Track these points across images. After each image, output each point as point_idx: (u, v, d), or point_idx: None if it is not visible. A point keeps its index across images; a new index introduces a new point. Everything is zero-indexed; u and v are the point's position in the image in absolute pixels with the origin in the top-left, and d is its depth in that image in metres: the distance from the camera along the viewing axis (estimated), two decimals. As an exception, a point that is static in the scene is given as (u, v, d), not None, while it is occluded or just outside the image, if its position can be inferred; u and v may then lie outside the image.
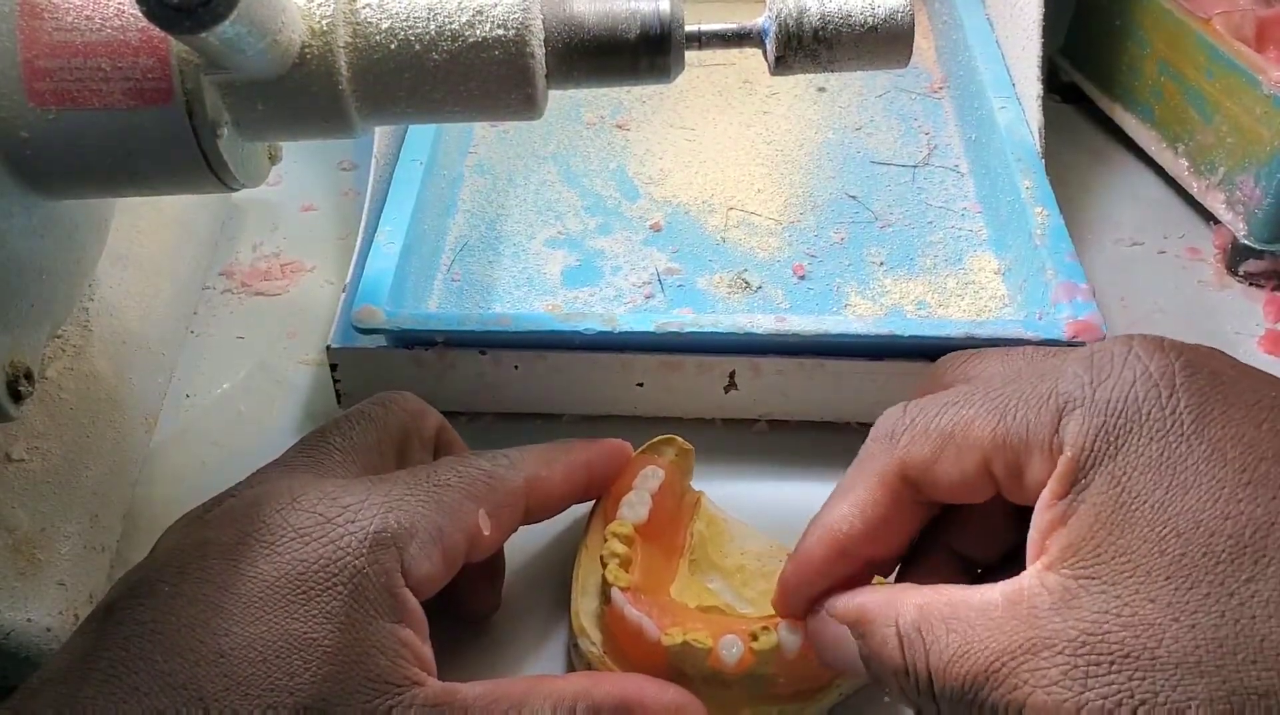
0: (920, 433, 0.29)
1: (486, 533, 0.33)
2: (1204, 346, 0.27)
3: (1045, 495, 0.26)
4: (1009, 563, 0.30)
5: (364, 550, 0.30)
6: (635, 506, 0.36)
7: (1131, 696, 0.23)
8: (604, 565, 0.35)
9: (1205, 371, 0.26)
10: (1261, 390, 0.26)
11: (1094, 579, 0.24)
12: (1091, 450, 0.25)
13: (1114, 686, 0.23)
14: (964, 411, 0.28)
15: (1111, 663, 0.23)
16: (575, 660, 0.36)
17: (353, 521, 0.30)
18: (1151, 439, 0.25)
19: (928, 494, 0.29)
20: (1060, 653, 0.24)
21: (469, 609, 0.37)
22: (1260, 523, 0.23)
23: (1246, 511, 0.24)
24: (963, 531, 0.31)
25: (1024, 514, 0.28)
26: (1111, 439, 0.25)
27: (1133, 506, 0.25)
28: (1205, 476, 0.24)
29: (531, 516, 0.35)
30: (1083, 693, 0.23)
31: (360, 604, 0.29)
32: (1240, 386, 0.26)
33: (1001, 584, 0.26)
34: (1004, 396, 0.28)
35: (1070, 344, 0.41)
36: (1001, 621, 0.25)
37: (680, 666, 0.33)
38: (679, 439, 0.39)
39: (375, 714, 0.28)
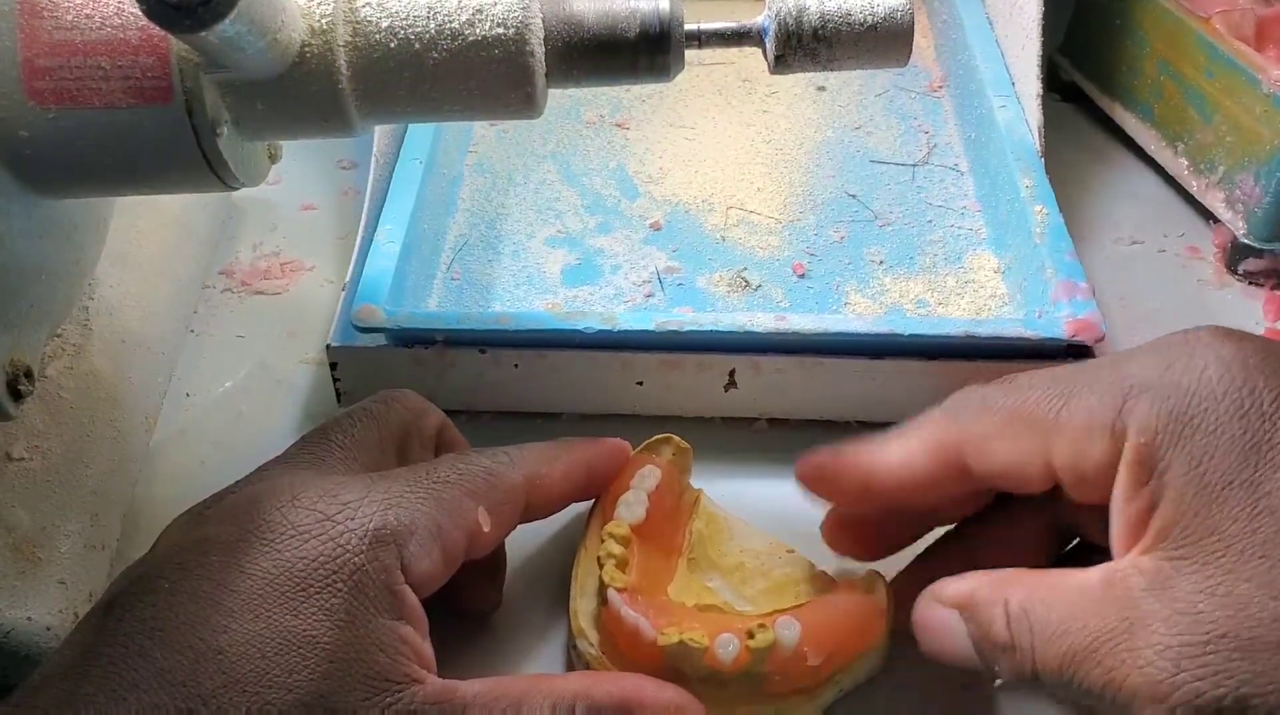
0: (985, 410, 0.29)
1: (486, 530, 0.33)
2: (1267, 336, 0.28)
3: (1123, 485, 0.26)
4: None
5: (364, 547, 0.30)
6: (632, 506, 0.36)
7: (1230, 677, 0.23)
8: (600, 566, 0.35)
9: (1277, 355, 0.26)
10: None
11: (1186, 559, 0.24)
12: (1166, 432, 0.25)
13: (1210, 667, 0.23)
14: (1029, 393, 0.28)
15: (1207, 642, 0.23)
16: (574, 660, 0.36)
17: (352, 519, 0.30)
18: (1232, 418, 0.25)
19: (979, 473, 0.29)
20: (1155, 632, 0.24)
21: (470, 606, 0.37)
22: None
23: None
24: (990, 546, 0.32)
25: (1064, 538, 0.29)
26: (1186, 420, 0.25)
27: (1219, 486, 0.24)
28: None
29: (531, 514, 0.35)
30: (1177, 673, 0.23)
31: (360, 601, 0.29)
32: None
33: (1099, 567, 0.26)
34: (1071, 381, 0.28)
35: (1070, 343, 0.41)
36: (1099, 602, 0.25)
37: (677, 666, 0.33)
38: (676, 438, 0.39)
39: (374, 711, 0.28)
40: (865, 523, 0.34)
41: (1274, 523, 0.23)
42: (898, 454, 0.30)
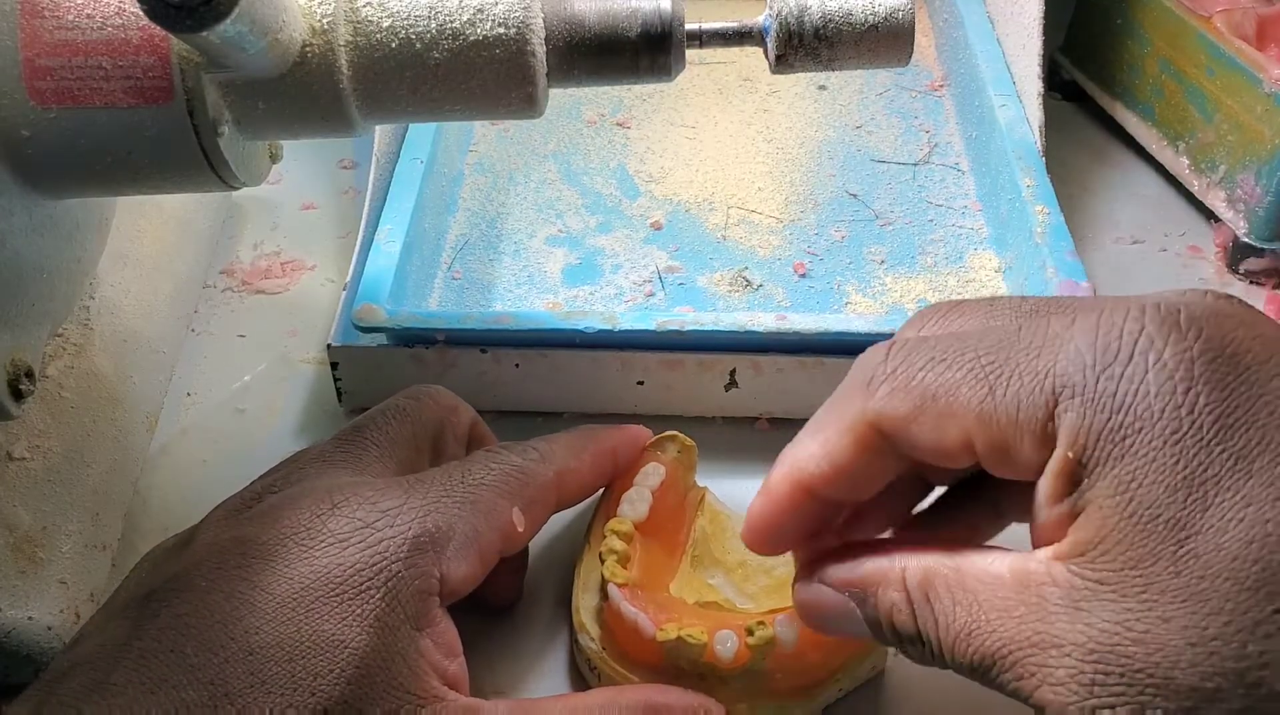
0: (900, 387, 0.26)
1: (520, 530, 0.33)
2: (1222, 306, 0.24)
3: (1045, 491, 0.24)
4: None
5: (403, 555, 0.30)
6: (635, 503, 0.36)
7: (1141, 711, 0.22)
8: (602, 561, 0.35)
9: (1227, 356, 0.23)
10: None
11: (1104, 585, 0.23)
12: (1094, 450, 0.23)
13: (1124, 698, 0.22)
14: (949, 373, 0.25)
15: (1122, 675, 0.22)
16: (576, 656, 0.36)
17: (392, 526, 0.31)
18: (1165, 444, 0.23)
19: (902, 451, 0.27)
20: (1069, 655, 0.23)
21: (493, 599, 0.37)
22: None
23: (1276, 534, 0.22)
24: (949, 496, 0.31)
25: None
26: (1118, 439, 0.23)
27: (1144, 519, 0.23)
28: (1228, 492, 0.22)
29: (560, 507, 0.36)
30: (1088, 699, 0.23)
31: (392, 608, 0.29)
32: (1266, 370, 0.23)
33: (1009, 558, 0.25)
34: (995, 364, 0.25)
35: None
36: (1010, 605, 0.24)
37: (676, 662, 0.33)
38: (682, 436, 0.39)
39: None
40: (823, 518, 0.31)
41: (1199, 567, 0.22)
42: (819, 449, 0.28)
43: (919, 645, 0.26)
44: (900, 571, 0.26)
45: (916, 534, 0.31)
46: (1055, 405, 0.24)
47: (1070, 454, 0.24)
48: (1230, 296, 0.25)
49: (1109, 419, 0.23)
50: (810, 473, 0.28)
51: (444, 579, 0.31)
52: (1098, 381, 0.24)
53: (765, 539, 0.29)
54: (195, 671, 0.27)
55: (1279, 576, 0.21)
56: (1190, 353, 0.23)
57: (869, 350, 0.28)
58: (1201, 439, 0.23)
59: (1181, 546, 0.22)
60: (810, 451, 0.28)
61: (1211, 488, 0.22)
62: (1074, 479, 0.24)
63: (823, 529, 0.29)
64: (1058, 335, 0.25)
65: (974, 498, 0.31)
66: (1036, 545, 0.25)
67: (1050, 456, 0.24)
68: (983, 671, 0.24)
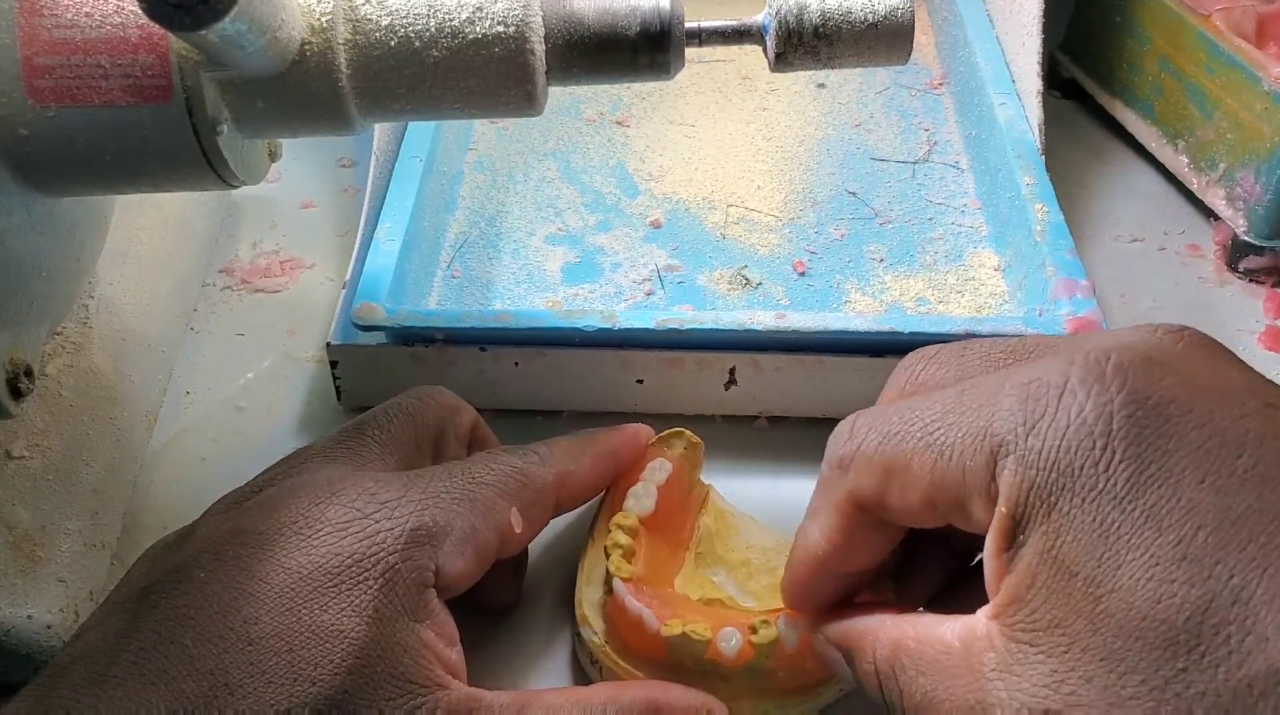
0: (864, 464, 0.27)
1: (518, 531, 0.33)
2: (1158, 350, 0.24)
3: (988, 546, 0.25)
4: None
5: (399, 546, 0.30)
6: (641, 499, 0.37)
7: None
8: (607, 556, 0.35)
9: (1150, 407, 0.23)
10: (1216, 421, 0.23)
11: (1032, 646, 0.23)
12: (1025, 506, 0.24)
13: None
14: (902, 445, 0.26)
15: None
16: (579, 650, 0.36)
17: (390, 517, 0.31)
18: (1084, 501, 0.23)
19: (884, 519, 0.28)
20: None
21: (491, 602, 0.37)
22: (1196, 606, 0.21)
23: (1180, 593, 0.22)
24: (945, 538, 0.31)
25: None
26: (1044, 497, 0.23)
27: (1065, 577, 0.23)
28: (1138, 550, 0.22)
29: (560, 510, 0.36)
30: None
31: (389, 600, 0.29)
32: (1191, 420, 0.23)
33: (958, 623, 0.26)
34: (941, 430, 0.26)
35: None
36: (955, 672, 0.25)
37: (679, 658, 0.33)
38: (688, 433, 0.39)
39: (398, 713, 0.28)
40: (846, 588, 0.33)
41: (1113, 626, 0.22)
42: (820, 537, 0.29)
43: (889, 711, 0.27)
44: (872, 644, 0.28)
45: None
46: (995, 464, 0.24)
47: (1004, 510, 0.24)
48: (1183, 333, 0.25)
49: (1037, 476, 0.24)
50: (816, 555, 0.30)
51: (440, 573, 0.31)
52: (1027, 438, 0.24)
53: (799, 609, 0.32)
54: (194, 663, 0.27)
55: (1181, 637, 0.21)
56: (1111, 406, 0.23)
57: (838, 426, 0.29)
58: (1115, 496, 0.23)
59: (1098, 605, 0.22)
60: (813, 536, 0.30)
61: (1124, 547, 0.22)
62: (1010, 536, 0.24)
63: (857, 590, 0.31)
64: (994, 393, 0.25)
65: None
66: (990, 594, 0.26)
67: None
68: None
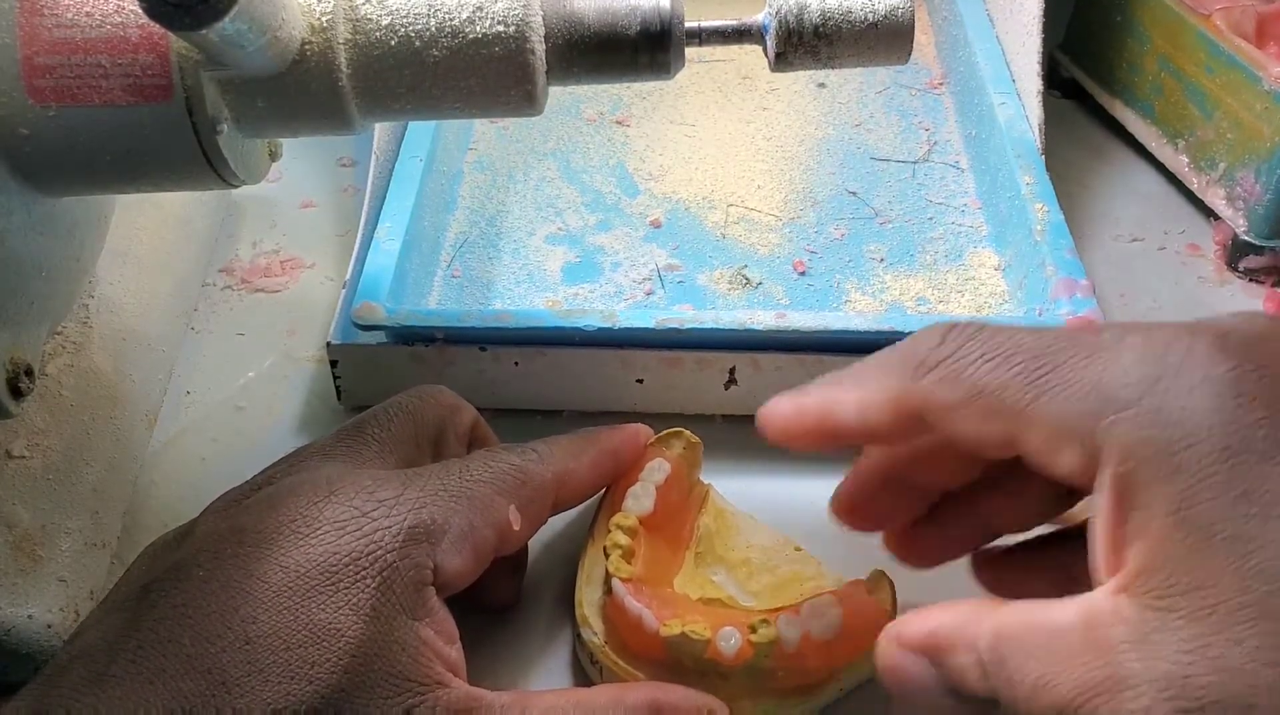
0: (950, 377, 0.27)
1: (517, 529, 0.33)
2: (1271, 328, 0.25)
3: (1102, 512, 0.24)
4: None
5: (397, 544, 0.30)
6: (640, 499, 0.37)
7: None
8: (606, 556, 0.35)
9: (1274, 375, 0.23)
10: None
11: (1171, 611, 0.22)
12: (1147, 465, 0.23)
13: None
14: (999, 372, 0.26)
15: (1201, 709, 0.21)
16: (579, 650, 0.36)
17: (388, 516, 0.31)
18: (1218, 459, 0.22)
19: (939, 433, 0.27)
20: (1143, 695, 0.22)
21: (490, 601, 0.37)
22: None
23: None
24: (989, 499, 0.31)
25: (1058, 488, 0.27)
26: (1169, 456, 0.23)
27: (1204, 536, 0.22)
28: None
29: (559, 508, 0.36)
30: None
31: (386, 598, 0.29)
32: None
33: (1075, 602, 0.25)
34: (1044, 368, 0.25)
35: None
36: (1078, 650, 0.24)
37: (679, 658, 0.33)
38: (687, 433, 0.39)
39: (396, 711, 0.28)
40: (869, 495, 0.33)
41: (1267, 582, 0.21)
42: (856, 404, 0.29)
43: (995, 708, 0.26)
44: (971, 638, 0.26)
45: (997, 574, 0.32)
46: (1101, 417, 0.24)
47: (1122, 469, 0.24)
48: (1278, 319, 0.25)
49: (1159, 435, 0.23)
50: (839, 419, 0.29)
51: (438, 571, 0.31)
52: (1147, 397, 0.24)
53: (785, 438, 0.31)
54: (192, 661, 0.28)
55: None
56: (1240, 370, 0.23)
57: (925, 328, 0.29)
58: (1256, 452, 0.22)
59: (1246, 561, 0.22)
60: (846, 402, 0.29)
61: (1272, 502, 0.22)
62: (1128, 497, 0.24)
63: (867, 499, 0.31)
64: (1108, 347, 0.25)
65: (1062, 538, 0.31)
66: (1097, 572, 0.25)
67: (1093, 469, 0.24)
68: None
